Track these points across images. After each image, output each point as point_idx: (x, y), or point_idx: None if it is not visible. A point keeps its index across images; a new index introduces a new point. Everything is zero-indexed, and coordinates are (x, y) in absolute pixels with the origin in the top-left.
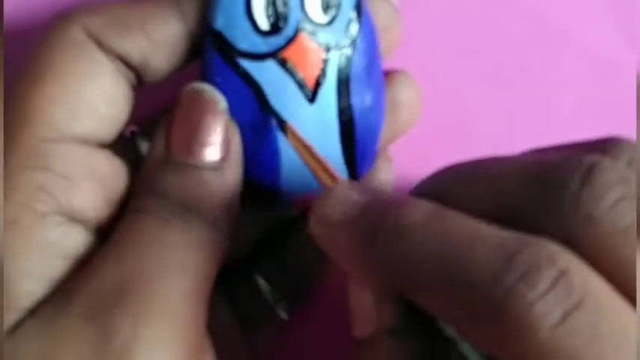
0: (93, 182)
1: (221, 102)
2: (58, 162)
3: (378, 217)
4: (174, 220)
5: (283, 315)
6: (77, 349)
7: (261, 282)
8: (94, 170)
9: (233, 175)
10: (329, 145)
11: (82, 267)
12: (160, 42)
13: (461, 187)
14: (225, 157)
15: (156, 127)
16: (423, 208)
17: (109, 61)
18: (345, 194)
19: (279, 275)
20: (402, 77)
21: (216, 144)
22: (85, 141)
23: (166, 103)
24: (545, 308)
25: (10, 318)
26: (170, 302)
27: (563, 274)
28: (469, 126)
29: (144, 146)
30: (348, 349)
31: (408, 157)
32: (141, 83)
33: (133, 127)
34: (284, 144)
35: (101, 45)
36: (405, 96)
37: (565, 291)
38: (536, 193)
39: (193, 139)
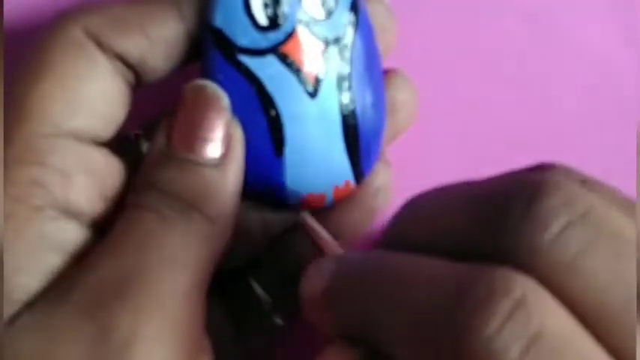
0: (89, 177)
1: (224, 99)
2: (54, 157)
3: (339, 277)
4: (174, 216)
5: (280, 322)
6: (75, 345)
7: (258, 289)
8: (90, 166)
9: (234, 173)
10: (332, 142)
11: (80, 262)
12: (158, 41)
13: (417, 227)
14: (226, 154)
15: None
16: (373, 257)
17: (107, 60)
18: (317, 269)
19: (277, 282)
20: (399, 77)
21: (218, 141)
22: (82, 137)
23: (170, 105)
24: (505, 343)
25: (6, 311)
26: (169, 298)
27: (519, 303)
28: (468, 127)
29: (146, 147)
30: None
31: (407, 160)
32: (140, 82)
33: (138, 130)
34: (288, 141)
35: (100, 44)
36: (402, 96)
37: (524, 321)
38: (483, 225)
39: (195, 135)
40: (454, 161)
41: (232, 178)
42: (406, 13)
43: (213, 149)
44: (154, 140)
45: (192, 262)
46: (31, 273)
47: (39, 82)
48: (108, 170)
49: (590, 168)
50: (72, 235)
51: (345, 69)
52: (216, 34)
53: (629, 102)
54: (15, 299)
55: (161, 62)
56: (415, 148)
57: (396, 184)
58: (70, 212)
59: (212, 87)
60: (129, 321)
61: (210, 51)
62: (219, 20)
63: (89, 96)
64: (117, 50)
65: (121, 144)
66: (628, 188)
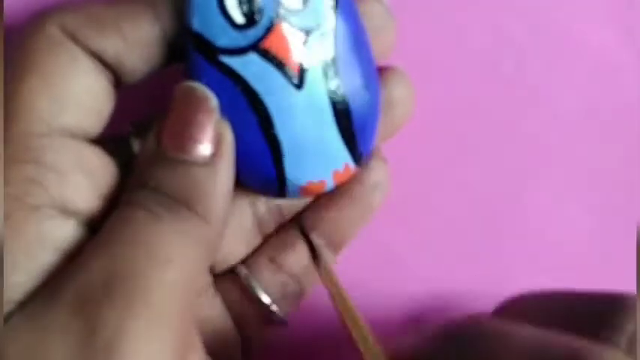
0: (84, 176)
1: (212, 100)
2: (48, 155)
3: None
4: (165, 214)
5: (280, 321)
6: (63, 345)
7: (256, 284)
8: (84, 164)
9: (224, 171)
10: (324, 128)
11: (72, 260)
12: (134, 42)
13: None
14: (216, 153)
15: (150, 127)
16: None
17: (86, 56)
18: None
19: (275, 277)
20: (395, 74)
21: (208, 140)
22: (73, 134)
23: (161, 103)
24: None
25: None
26: (157, 296)
27: None
28: (468, 127)
29: (137, 146)
30: (342, 348)
31: (405, 159)
32: (119, 83)
33: (130, 130)
34: (282, 132)
35: (76, 42)
36: (399, 92)
37: None
38: None
39: (185, 135)
40: (452, 160)
41: (223, 176)
42: (406, 13)
43: (203, 148)
44: (145, 140)
45: (181, 258)
46: (28, 272)
47: (24, 81)
48: (102, 169)
49: (590, 168)
50: (69, 233)
51: (330, 55)
52: (196, 38)
53: (629, 102)
54: (9, 298)
55: (137, 63)
56: (414, 148)
57: (394, 182)
58: (67, 210)
59: (201, 88)
60: (115, 318)
61: (192, 54)
62: (196, 23)
63: (74, 91)
64: (93, 48)
65: (113, 144)
66: (628, 187)
